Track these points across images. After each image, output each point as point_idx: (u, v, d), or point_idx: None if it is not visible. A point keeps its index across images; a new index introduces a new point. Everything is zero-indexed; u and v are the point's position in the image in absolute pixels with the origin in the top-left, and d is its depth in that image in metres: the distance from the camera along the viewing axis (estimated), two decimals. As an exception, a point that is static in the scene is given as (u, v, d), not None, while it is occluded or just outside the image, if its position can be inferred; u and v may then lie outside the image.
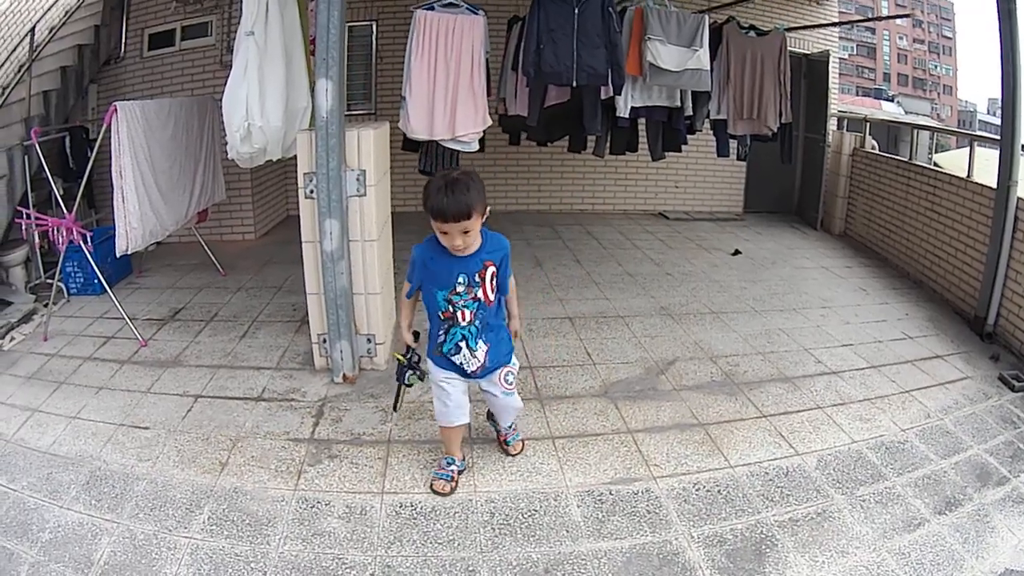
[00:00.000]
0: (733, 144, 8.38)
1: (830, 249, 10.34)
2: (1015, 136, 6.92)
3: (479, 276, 3.60)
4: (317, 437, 4.56)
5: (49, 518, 3.80)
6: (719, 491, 4.08)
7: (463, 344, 3.71)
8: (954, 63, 75.75)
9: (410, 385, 3.95)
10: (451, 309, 3.62)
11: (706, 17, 7.33)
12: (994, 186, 7.09)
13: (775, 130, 8.07)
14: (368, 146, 5.09)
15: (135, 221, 6.33)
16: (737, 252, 9.69)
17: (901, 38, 76.66)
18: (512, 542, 3.58)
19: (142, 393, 5.23)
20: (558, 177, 11.93)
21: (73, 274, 7.50)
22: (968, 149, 7.91)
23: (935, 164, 8.75)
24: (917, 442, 4.81)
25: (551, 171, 11.84)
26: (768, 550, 3.58)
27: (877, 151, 11.04)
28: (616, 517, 3.80)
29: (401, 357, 3.90)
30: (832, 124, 11.88)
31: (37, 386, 5.41)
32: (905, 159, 9.79)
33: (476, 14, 6.26)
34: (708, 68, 7.30)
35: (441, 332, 3.73)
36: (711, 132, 8.37)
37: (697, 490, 4.08)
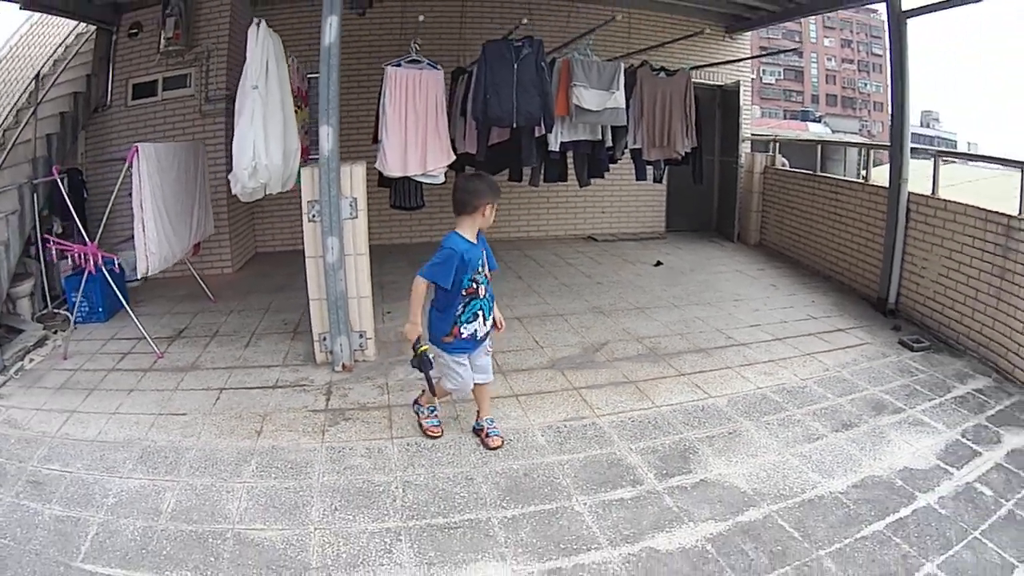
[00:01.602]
0: (649, 169, 9.71)
1: (745, 257, 11.88)
2: (903, 142, 8.50)
3: (486, 257, 4.96)
4: (331, 408, 5.84)
5: (111, 487, 4.67)
6: (649, 421, 5.56)
7: (480, 312, 4.96)
8: (884, 80, 78.10)
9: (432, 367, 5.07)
10: (474, 286, 4.86)
11: (621, 64, 8.58)
12: (888, 186, 8.64)
13: (683, 155, 9.38)
14: (358, 179, 6.53)
15: (154, 247, 7.34)
16: (659, 263, 11.15)
17: (830, 59, 78.31)
18: (496, 459, 4.97)
19: (171, 391, 6.23)
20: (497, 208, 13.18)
21: (79, 304, 8.15)
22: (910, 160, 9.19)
23: (865, 178, 10.24)
24: (815, 387, 6.32)
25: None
26: (692, 455, 5.04)
27: (787, 167, 12.66)
28: (571, 440, 5.25)
29: (427, 347, 4.97)
30: (746, 147, 13.49)
31: (69, 394, 6.24)
32: (810, 172, 11.40)
33: (436, 69, 7.53)
34: (624, 106, 8.54)
35: (460, 307, 4.87)
36: (630, 160, 9.67)
37: (632, 422, 5.55)
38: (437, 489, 4.62)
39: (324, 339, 6.73)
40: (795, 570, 3.83)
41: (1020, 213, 6.79)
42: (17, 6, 8.54)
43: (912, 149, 8.61)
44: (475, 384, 5.14)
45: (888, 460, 5.06)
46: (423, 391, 5.38)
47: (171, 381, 6.50)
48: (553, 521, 4.26)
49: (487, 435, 5.25)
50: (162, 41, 10.37)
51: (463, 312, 4.89)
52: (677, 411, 5.79)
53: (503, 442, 5.24)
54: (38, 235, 8.63)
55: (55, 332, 7.89)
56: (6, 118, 9.22)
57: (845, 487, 4.70)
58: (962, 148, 73.71)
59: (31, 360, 7.12)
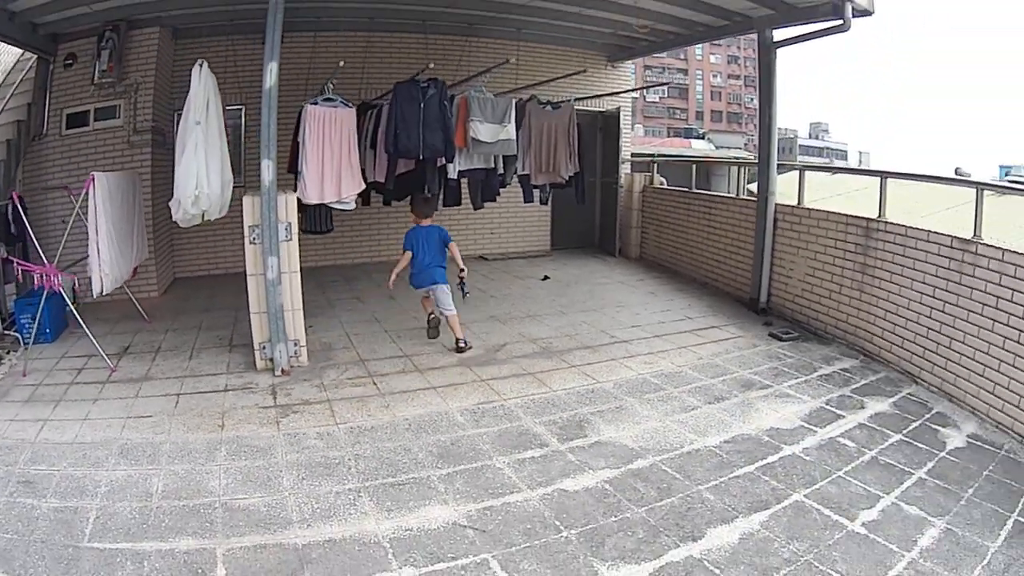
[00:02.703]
0: (536, 192, 10.90)
1: (626, 269, 13.42)
2: (770, 159, 10.01)
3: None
4: (279, 404, 6.92)
5: (100, 479, 5.37)
6: (548, 402, 6.95)
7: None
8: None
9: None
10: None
11: (513, 100, 9.74)
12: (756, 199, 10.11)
13: (567, 178, 10.58)
14: (291, 206, 7.68)
15: (107, 268, 8.08)
16: (546, 277, 12.58)
17: (715, 76, 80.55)
18: (426, 434, 6.24)
19: (132, 398, 7.01)
20: (392, 232, 13.99)
21: (27, 325, 8.56)
22: (790, 175, 10.79)
23: (749, 193, 11.65)
24: (690, 371, 7.78)
25: (387, 227, 14.05)
26: (586, 424, 6.43)
27: (665, 186, 14.23)
28: (485, 418, 6.58)
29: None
30: (626, 167, 14.99)
31: (37, 405, 6.85)
32: (686, 188, 12.96)
33: (348, 107, 8.58)
34: (515, 137, 9.65)
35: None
36: (518, 185, 10.71)
37: (534, 403, 6.93)
38: (383, 459, 5.80)
39: (264, 347, 7.79)
40: (680, 499, 5.16)
41: (880, 215, 8.25)
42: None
43: (780, 165, 10.13)
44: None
45: (756, 423, 6.49)
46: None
47: (130, 390, 7.29)
48: (480, 475, 5.51)
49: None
50: (96, 73, 10.98)
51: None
52: (571, 394, 7.17)
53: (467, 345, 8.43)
54: (14, 254, 9.31)
55: (7, 352, 8.43)
56: None
57: (718, 443, 6.09)
58: (852, 157, 77.02)
59: None
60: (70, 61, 11.11)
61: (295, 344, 7.94)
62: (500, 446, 6.02)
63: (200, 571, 4.35)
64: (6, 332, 9.07)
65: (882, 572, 4.32)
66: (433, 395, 7.18)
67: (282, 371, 7.73)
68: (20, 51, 11.26)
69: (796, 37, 9.77)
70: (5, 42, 10.09)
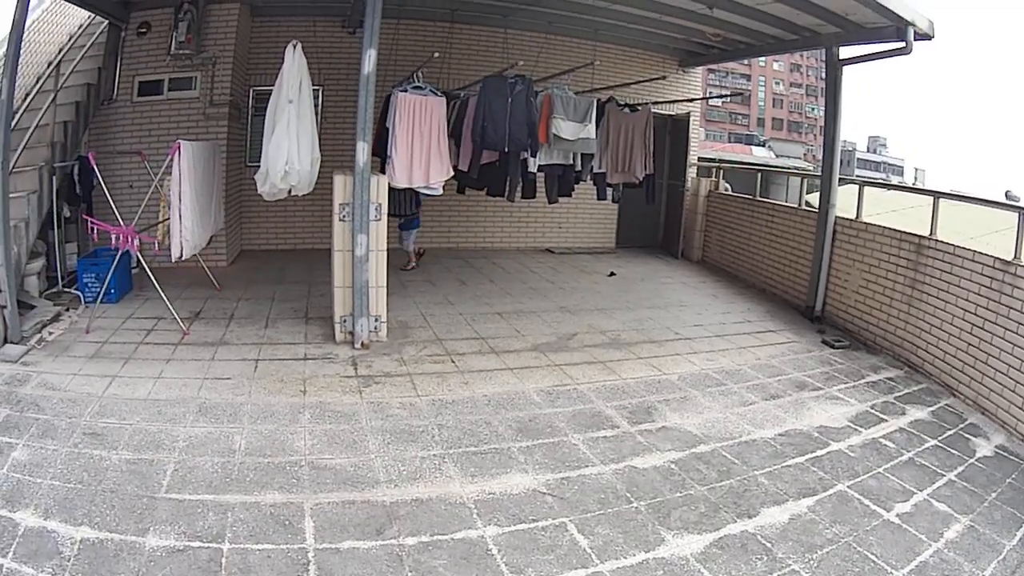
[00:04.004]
0: (609, 190, 11.42)
1: (689, 271, 13.94)
2: (832, 173, 10.49)
3: None
4: (360, 375, 7.45)
5: (179, 434, 5.77)
6: (619, 388, 7.50)
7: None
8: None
9: None
10: None
11: (594, 100, 10.22)
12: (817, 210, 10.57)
13: (641, 179, 11.15)
14: (382, 188, 8.21)
15: (188, 235, 8.53)
16: (612, 274, 13.15)
17: (777, 83, 79.92)
18: (505, 410, 6.79)
19: (208, 361, 7.45)
20: (464, 220, 14.94)
21: (90, 284, 9.09)
22: (849, 187, 11.02)
23: (807, 204, 12.07)
24: (749, 370, 8.27)
25: (459, 215, 14.79)
26: (653, 411, 6.97)
27: (729, 192, 14.66)
28: (560, 399, 7.12)
29: None
30: (693, 172, 15.46)
31: (104, 362, 7.23)
32: (750, 196, 13.44)
33: (438, 96, 9.10)
34: (595, 136, 10.19)
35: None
36: (592, 182, 11.27)
37: (605, 388, 7.47)
38: (465, 430, 6.34)
39: (345, 321, 8.32)
40: (737, 482, 5.71)
41: (931, 234, 8.67)
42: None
43: (840, 179, 10.60)
44: None
45: (807, 420, 7.01)
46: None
47: (206, 353, 7.74)
48: (557, 449, 6.06)
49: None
50: (173, 43, 11.46)
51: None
52: (639, 382, 7.71)
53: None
54: (75, 214, 9.92)
55: (67, 309, 8.80)
56: (21, 102, 9.78)
57: (773, 435, 6.62)
58: (909, 173, 76.51)
59: (50, 333, 8.02)
60: (144, 29, 11.60)
61: (376, 319, 8.46)
62: (575, 425, 6.56)
63: (288, 522, 4.74)
64: (65, 290, 9.51)
65: (911, 557, 4.84)
66: (510, 375, 7.71)
67: (362, 344, 8.23)
68: (89, 14, 11.66)
69: (861, 56, 10.19)
70: (73, 3, 10.33)
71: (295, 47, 8.35)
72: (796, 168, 28.83)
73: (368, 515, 4.94)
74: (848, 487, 5.74)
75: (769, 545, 4.85)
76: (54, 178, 9.37)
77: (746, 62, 70.76)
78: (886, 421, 7.15)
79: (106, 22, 11.41)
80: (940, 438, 6.86)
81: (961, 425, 7.24)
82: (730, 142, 63.39)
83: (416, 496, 5.22)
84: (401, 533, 4.74)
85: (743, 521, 5.14)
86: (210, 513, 4.79)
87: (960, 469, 6.25)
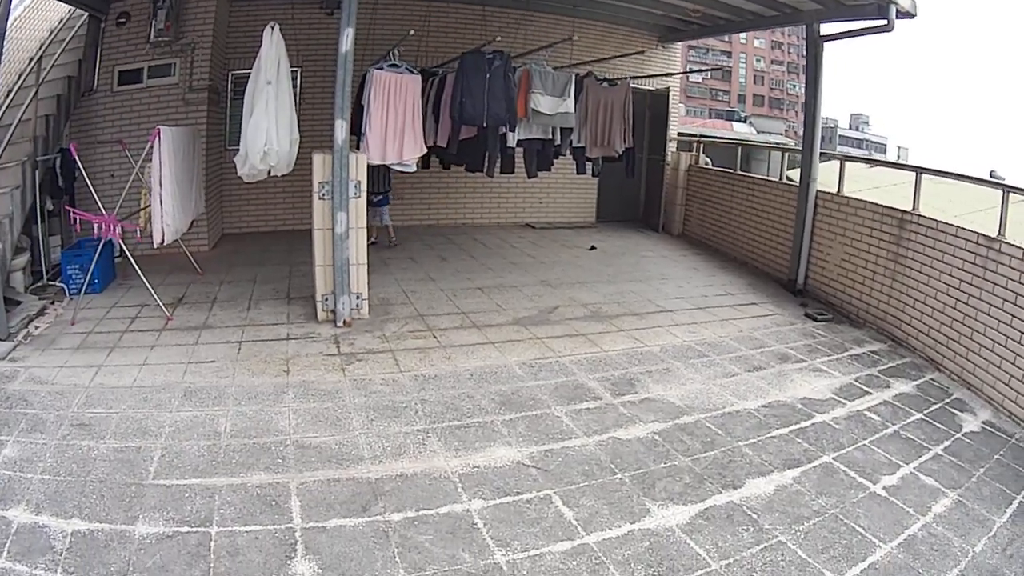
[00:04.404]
0: (589, 164, 11.43)
1: (670, 245, 13.98)
2: (813, 147, 10.51)
3: None
4: (343, 352, 7.47)
5: (164, 419, 5.77)
6: (601, 360, 7.51)
7: None
8: None
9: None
10: None
11: (573, 74, 10.24)
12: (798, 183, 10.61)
13: (620, 153, 11.17)
14: (362, 165, 8.23)
15: (169, 220, 8.51)
16: (593, 247, 13.16)
17: (759, 60, 79.90)
18: (488, 384, 6.81)
19: (192, 345, 7.48)
20: (444, 197, 14.94)
21: (74, 276, 9.05)
22: (829, 164, 11.11)
23: (788, 179, 12.12)
24: (731, 342, 8.29)
25: (439, 192, 14.78)
26: (636, 383, 6.99)
27: (710, 166, 14.69)
28: (543, 372, 7.15)
29: None
30: (673, 146, 15.48)
31: (90, 352, 7.22)
32: (730, 170, 13.48)
33: (414, 74, 9.07)
34: (573, 111, 10.23)
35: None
36: (571, 157, 11.30)
37: (587, 360, 7.49)
38: (448, 404, 6.36)
39: (326, 299, 8.34)
40: (722, 453, 5.74)
41: (913, 208, 8.69)
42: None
43: (822, 154, 10.61)
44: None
45: (791, 392, 7.03)
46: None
47: (189, 338, 7.75)
48: (540, 422, 6.09)
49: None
50: (152, 31, 11.44)
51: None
52: (621, 355, 7.72)
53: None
54: (58, 206, 9.86)
55: (52, 303, 8.78)
56: (3, 99, 9.88)
57: (757, 406, 6.64)
58: (892, 151, 76.93)
59: (36, 327, 7.98)
60: (123, 20, 11.52)
61: (357, 297, 8.48)
62: (557, 397, 6.59)
63: (274, 503, 4.77)
64: (50, 283, 9.49)
65: (899, 531, 4.85)
66: (492, 349, 7.73)
67: (344, 322, 8.27)
68: (69, 8, 11.64)
69: (842, 33, 10.20)
70: (62, 0, 10.51)
71: (273, 29, 8.30)
72: (777, 143, 28.78)
73: (353, 492, 4.97)
74: (833, 459, 5.76)
75: (755, 516, 4.88)
76: (36, 172, 9.32)
77: (727, 39, 70.96)
78: (870, 394, 7.17)
79: (86, 14, 11.36)
80: (926, 412, 6.88)
81: (947, 399, 7.26)
82: (711, 118, 63.55)
83: (401, 472, 5.25)
84: (387, 509, 4.76)
85: (728, 492, 5.17)
86: (197, 497, 4.82)
87: (947, 443, 6.26)
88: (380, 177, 10.80)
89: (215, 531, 4.47)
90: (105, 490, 4.85)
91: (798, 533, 4.69)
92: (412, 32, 9.25)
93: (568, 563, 4.29)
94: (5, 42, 7.89)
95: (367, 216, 10.16)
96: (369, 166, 8.88)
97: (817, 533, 4.71)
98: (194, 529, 4.48)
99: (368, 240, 9.04)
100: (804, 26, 10.72)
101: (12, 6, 7.79)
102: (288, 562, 4.23)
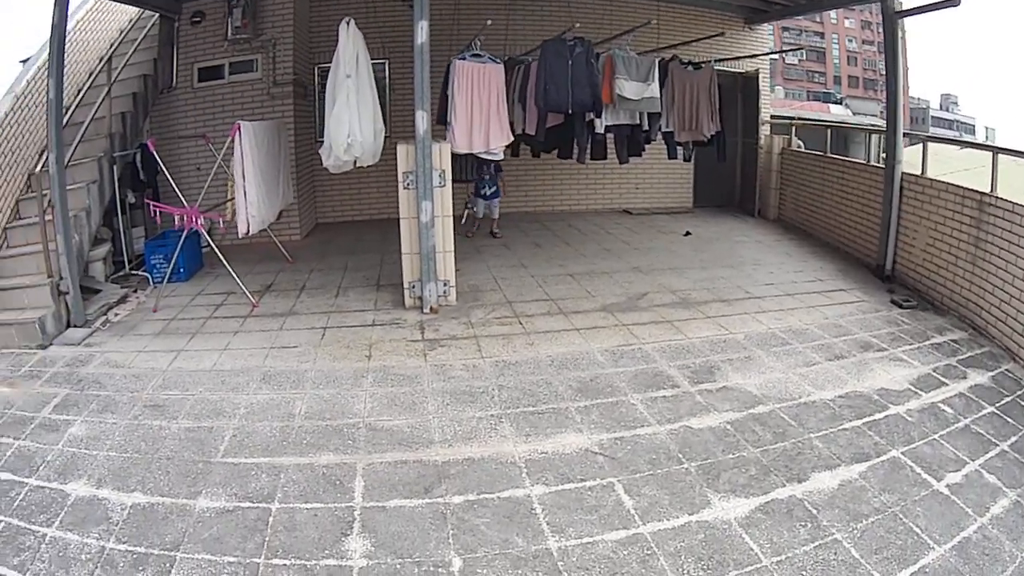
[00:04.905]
0: (679, 149, 11.27)
1: (764, 229, 13.70)
2: (897, 127, 10.17)
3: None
4: (427, 338, 7.54)
5: (239, 401, 6.00)
6: (683, 348, 7.39)
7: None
8: (904, 62, 77.75)
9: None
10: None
11: (656, 59, 10.13)
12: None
13: (709, 137, 10.92)
14: (445, 154, 8.28)
15: (254, 211, 8.84)
16: (688, 233, 12.97)
17: (850, 41, 78.23)
18: (567, 371, 6.78)
19: (276, 331, 7.72)
20: (541, 184, 15.01)
21: (158, 265, 9.42)
22: (920, 146, 10.53)
23: (882, 160, 11.80)
24: (815, 329, 8.06)
25: (535, 179, 14.85)
26: (716, 371, 6.86)
27: (802, 149, 14.38)
28: (624, 359, 7.06)
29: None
30: (766, 129, 15.19)
31: (171, 338, 7.57)
32: (820, 153, 13.16)
33: (496, 63, 9.07)
34: (658, 95, 10.05)
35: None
36: (662, 142, 11.07)
37: (670, 348, 7.37)
38: (524, 390, 6.36)
39: (413, 287, 8.45)
40: (792, 444, 5.59)
41: (992, 190, 8.36)
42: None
43: (907, 135, 10.29)
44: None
45: (869, 382, 6.80)
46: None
47: (274, 323, 8.00)
48: (615, 409, 6.04)
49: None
50: (229, 29, 11.83)
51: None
52: (704, 342, 7.59)
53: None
54: (140, 199, 10.21)
55: (135, 291, 9.19)
56: (73, 98, 9.92)
57: (833, 396, 6.45)
58: (980, 132, 74.73)
59: (116, 315, 8.37)
60: (198, 19, 11.97)
61: (444, 284, 8.56)
62: (635, 384, 6.52)
63: (338, 482, 4.91)
64: (133, 272, 9.90)
65: (955, 532, 4.63)
66: (576, 336, 7.70)
67: (431, 309, 8.35)
68: (138, 10, 11.89)
69: (914, 9, 9.88)
70: (120, 2, 10.93)
71: (348, 24, 8.49)
72: (871, 125, 28.09)
73: (419, 474, 5.04)
74: (902, 453, 5.57)
75: (815, 512, 4.75)
76: (115, 167, 9.65)
77: (818, 19, 69.41)
78: (946, 385, 6.89)
79: (156, 15, 11.73)
80: (997, 405, 6.57)
81: (1019, 392, 6.91)
82: (808, 100, 62.39)
83: (468, 456, 5.30)
84: (449, 492, 4.81)
85: (792, 486, 5.05)
86: (263, 475, 4.99)
87: (1014, 439, 5.96)
88: (469, 165, 10.85)
89: (276, 507, 4.62)
90: (171, 467, 5.07)
91: (855, 531, 4.57)
92: (489, 22, 9.31)
93: (619, 552, 4.27)
94: (70, 44, 8.32)
95: (480, 209, 10.48)
96: (468, 159, 9.22)
97: (874, 532, 4.58)
98: (255, 505, 4.65)
99: (468, 232, 9.18)
100: (880, 2, 10.35)
101: (70, 12, 8.08)
102: (343, 538, 4.34)
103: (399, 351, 7.24)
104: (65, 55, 7.90)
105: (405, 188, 8.27)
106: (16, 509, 4.59)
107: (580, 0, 13.49)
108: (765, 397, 6.36)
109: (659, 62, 10.23)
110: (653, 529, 4.49)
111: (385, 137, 9.05)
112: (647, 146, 11.26)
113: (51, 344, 7.47)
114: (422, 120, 7.98)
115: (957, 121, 77.23)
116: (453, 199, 8.49)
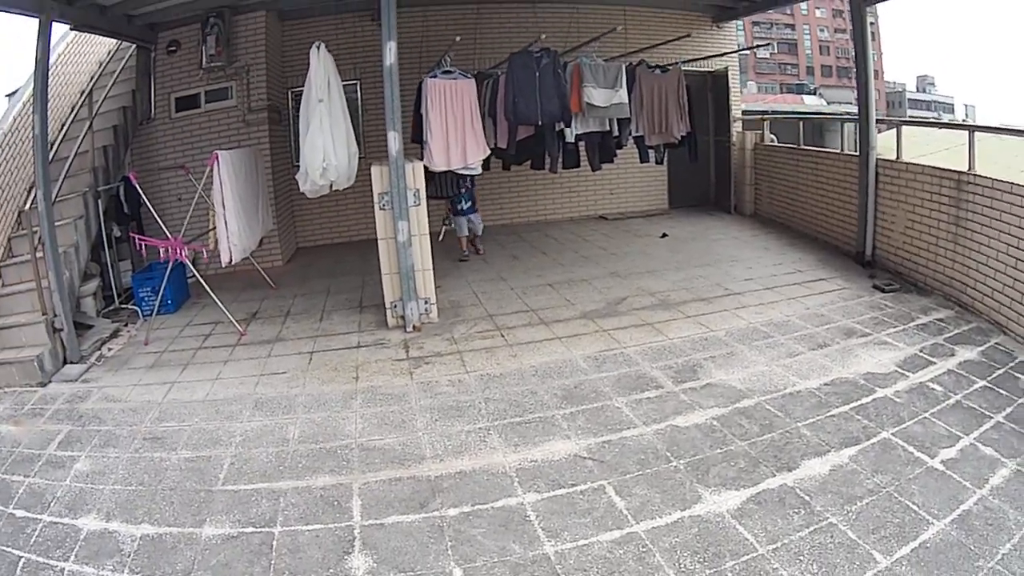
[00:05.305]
0: (651, 152, 11.42)
1: (741, 226, 13.84)
2: (869, 114, 10.32)
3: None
4: (411, 357, 7.64)
5: (235, 429, 6.08)
6: (664, 349, 7.51)
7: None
8: (878, 47, 78.09)
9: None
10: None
11: (623, 64, 10.22)
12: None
13: (679, 138, 11.07)
14: (418, 174, 8.38)
15: (236, 240, 8.86)
16: (664, 235, 13.08)
17: (822, 30, 78.60)
18: (551, 379, 6.88)
19: (264, 358, 7.79)
20: (515, 196, 15.07)
21: (146, 298, 9.51)
22: (894, 131, 10.69)
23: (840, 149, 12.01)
24: (797, 320, 8.20)
25: (510, 191, 14.91)
26: (699, 369, 6.97)
27: (775, 143, 14.57)
28: (606, 364, 7.18)
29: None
30: (738, 126, 15.35)
31: (164, 370, 7.63)
32: (794, 145, 13.35)
33: (468, 78, 9.21)
34: (627, 101, 10.21)
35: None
36: (634, 146, 11.25)
37: (651, 350, 7.49)
38: (511, 401, 6.46)
39: (395, 306, 8.52)
40: (779, 435, 5.70)
41: (969, 169, 8.49)
42: (68, 27, 9.44)
43: (880, 120, 10.39)
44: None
45: (854, 368, 6.92)
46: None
47: (262, 351, 8.08)
48: (600, 413, 6.14)
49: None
50: (204, 57, 11.89)
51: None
52: (686, 341, 7.70)
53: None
54: (126, 232, 10.22)
55: (126, 325, 9.23)
56: (57, 132, 10.02)
57: (818, 385, 6.56)
58: (959, 111, 75.27)
59: (109, 349, 8.44)
60: (173, 48, 12.03)
61: (425, 302, 8.63)
62: (619, 388, 6.62)
63: (336, 503, 5.00)
64: (123, 306, 9.94)
65: (954, 506, 4.72)
66: (558, 345, 7.79)
67: (413, 327, 8.43)
68: (116, 41, 11.88)
69: None
70: (98, 34, 10.81)
71: (319, 48, 8.58)
72: (846, 113, 28.34)
73: (413, 490, 5.13)
74: (892, 434, 5.66)
75: (807, 498, 4.85)
76: (99, 201, 9.73)
77: (788, 11, 69.79)
78: (934, 364, 7.00)
79: (134, 46, 11.77)
80: (989, 378, 6.67)
81: (1011, 364, 7.01)
82: (782, 93, 62.79)
83: (460, 469, 5.39)
84: (444, 505, 4.91)
85: (782, 475, 5.15)
86: (263, 500, 5.08)
87: (1009, 410, 6.03)
88: (448, 182, 10.89)
89: (278, 531, 4.73)
90: (175, 497, 5.17)
91: (850, 514, 4.65)
92: (458, 39, 9.43)
93: (615, 551, 4.36)
94: (52, 78, 8.41)
95: (461, 226, 10.75)
96: (437, 172, 9.16)
97: (869, 513, 4.66)
98: (258, 529, 4.75)
99: (460, 258, 9.32)
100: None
101: (52, 45, 8.25)
102: (345, 557, 4.43)
103: (385, 371, 7.33)
104: (49, 89, 8.00)
105: (381, 209, 8.33)
106: (33, 545, 4.71)
107: (547, 10, 13.70)
108: (750, 391, 6.47)
109: (626, 67, 10.36)
110: (647, 527, 4.58)
111: (360, 158, 9.12)
112: (619, 151, 11.43)
113: (50, 381, 7.57)
114: (394, 140, 8.07)
115: (935, 102, 77.87)
116: (429, 217, 8.58)
